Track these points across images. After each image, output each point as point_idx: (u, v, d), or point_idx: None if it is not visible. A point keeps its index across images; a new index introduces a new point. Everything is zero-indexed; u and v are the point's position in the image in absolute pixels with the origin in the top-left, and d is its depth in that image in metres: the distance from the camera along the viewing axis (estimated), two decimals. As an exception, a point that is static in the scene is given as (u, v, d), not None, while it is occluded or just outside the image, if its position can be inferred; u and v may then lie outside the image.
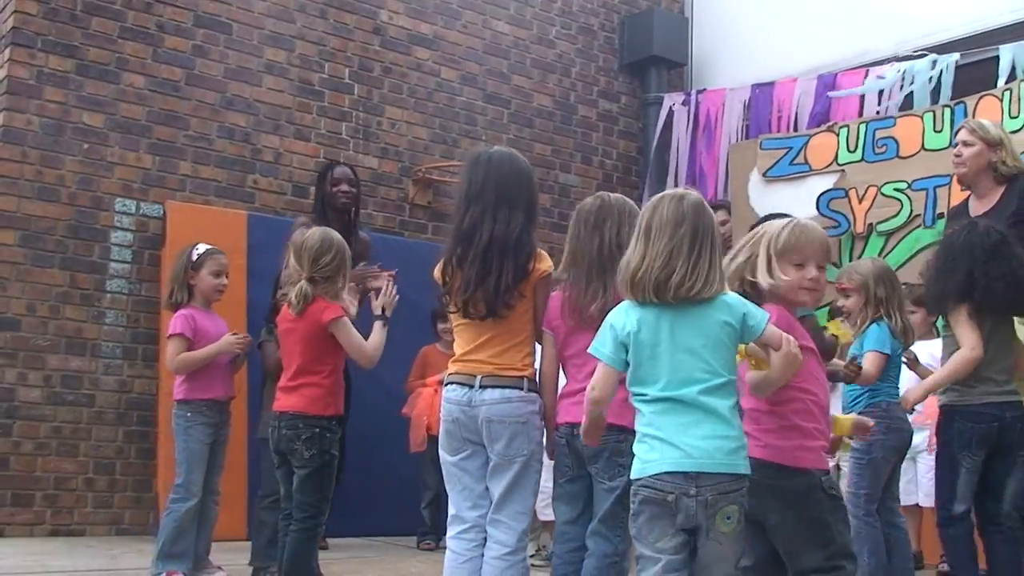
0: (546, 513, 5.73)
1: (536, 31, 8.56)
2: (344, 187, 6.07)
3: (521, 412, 3.58)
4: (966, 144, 5.20)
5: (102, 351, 6.53)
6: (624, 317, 3.00)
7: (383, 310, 4.56)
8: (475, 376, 3.60)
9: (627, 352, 2.97)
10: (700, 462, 2.84)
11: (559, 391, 3.73)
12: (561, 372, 3.76)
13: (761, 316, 2.97)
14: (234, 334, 5.20)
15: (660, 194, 3.10)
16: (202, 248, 5.26)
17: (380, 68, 7.71)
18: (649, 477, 2.88)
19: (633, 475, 2.94)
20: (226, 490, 6.19)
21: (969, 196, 5.30)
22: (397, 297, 4.62)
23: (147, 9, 6.81)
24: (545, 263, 3.64)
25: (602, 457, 3.49)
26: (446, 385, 3.72)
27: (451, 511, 3.71)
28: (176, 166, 6.84)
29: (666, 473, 2.85)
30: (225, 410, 5.24)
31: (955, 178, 6.01)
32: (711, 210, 3.07)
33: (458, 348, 3.72)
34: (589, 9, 8.90)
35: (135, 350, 6.62)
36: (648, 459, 2.90)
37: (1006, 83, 6.24)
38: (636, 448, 2.95)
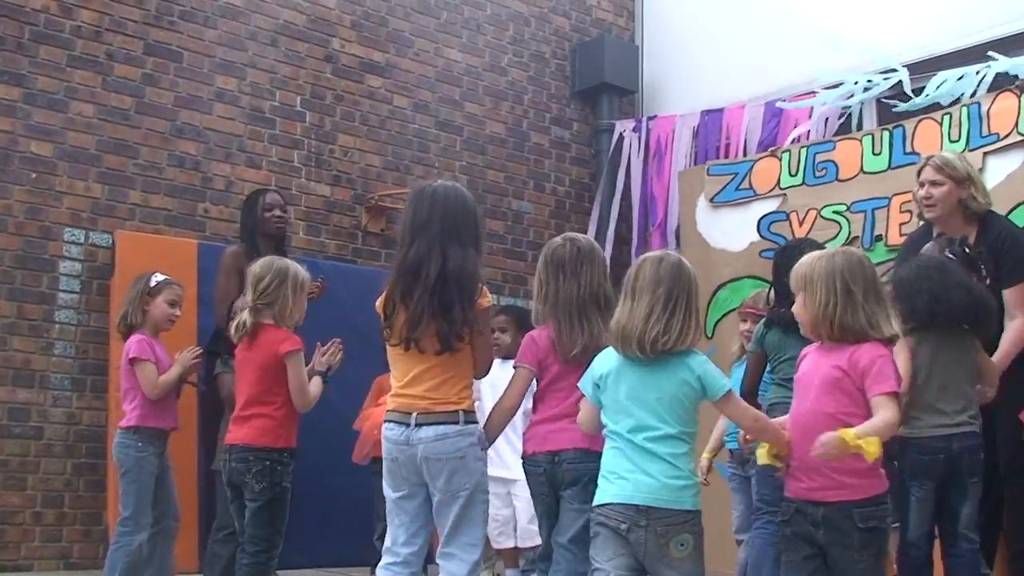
0: (499, 541, 5.73)
1: (488, 59, 8.60)
2: (277, 212, 6.09)
3: (458, 447, 3.61)
4: (935, 184, 4.92)
5: (51, 382, 6.44)
6: (603, 361, 3.42)
7: (328, 368, 4.63)
8: (411, 413, 3.64)
9: (600, 391, 3.40)
10: (648, 497, 3.18)
11: (536, 416, 3.91)
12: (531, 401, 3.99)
13: (719, 384, 3.31)
14: (186, 350, 5.24)
15: (643, 256, 3.49)
16: (161, 277, 5.32)
17: (332, 96, 7.71)
18: (605, 507, 3.26)
19: (594, 503, 3.31)
20: (177, 522, 6.15)
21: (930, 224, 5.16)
22: (341, 360, 4.74)
23: (96, 37, 6.76)
24: (486, 298, 3.72)
25: (580, 483, 3.67)
26: (385, 422, 3.75)
27: (387, 542, 3.77)
28: (126, 195, 6.79)
29: (620, 504, 3.21)
30: (167, 441, 5.25)
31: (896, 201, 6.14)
32: (690, 270, 3.45)
33: (394, 381, 3.77)
34: (541, 37, 8.95)
35: (84, 381, 6.53)
36: (605, 490, 3.28)
37: (947, 107, 6.33)
38: (599, 480, 3.33)
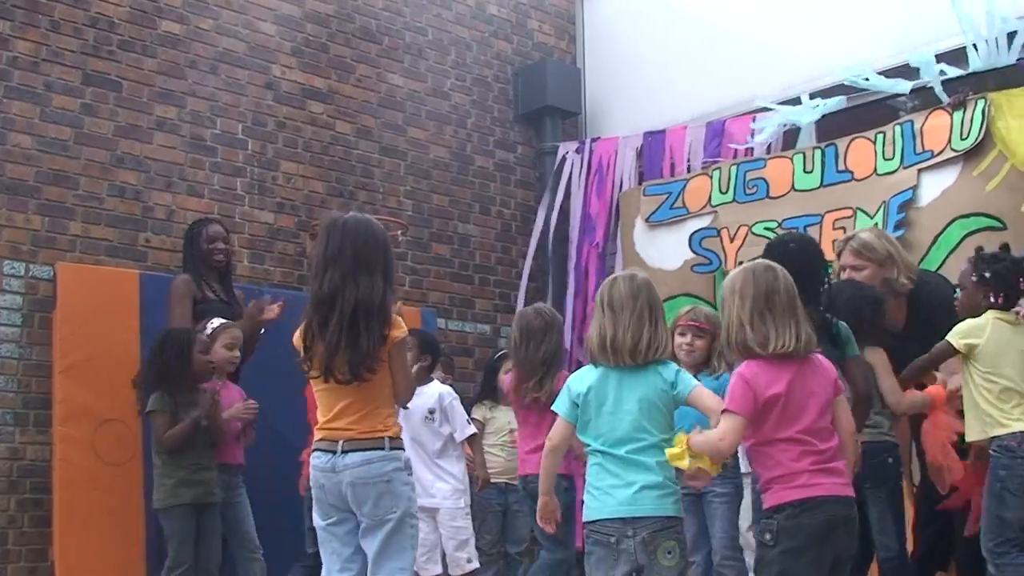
0: (426, 568, 5.73)
1: (431, 83, 8.62)
2: (220, 244, 6.10)
3: (383, 471, 3.67)
4: (855, 268, 4.87)
5: (-8, 418, 6.35)
6: (579, 380, 3.70)
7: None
8: (337, 442, 3.70)
9: (579, 409, 3.66)
10: (632, 508, 3.45)
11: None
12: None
13: (691, 380, 3.64)
14: (244, 401, 5.61)
15: (613, 275, 3.81)
16: (216, 323, 5.75)
17: (274, 123, 7.69)
18: (595, 523, 3.52)
19: (584, 519, 3.59)
20: (120, 556, 6.11)
21: None
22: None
23: (33, 68, 6.70)
24: (400, 330, 3.78)
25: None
26: (312, 452, 3.82)
27: (323, 573, 3.82)
28: (66, 227, 6.71)
29: (607, 519, 3.48)
30: (236, 473, 5.69)
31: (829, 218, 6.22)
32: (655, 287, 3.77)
33: (321, 415, 3.81)
34: (483, 61, 8.99)
35: (27, 416, 6.42)
36: (592, 507, 3.55)
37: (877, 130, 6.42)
38: (585, 496, 3.60)
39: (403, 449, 3.78)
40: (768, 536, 3.34)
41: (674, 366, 3.68)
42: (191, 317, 6.00)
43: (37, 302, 6.53)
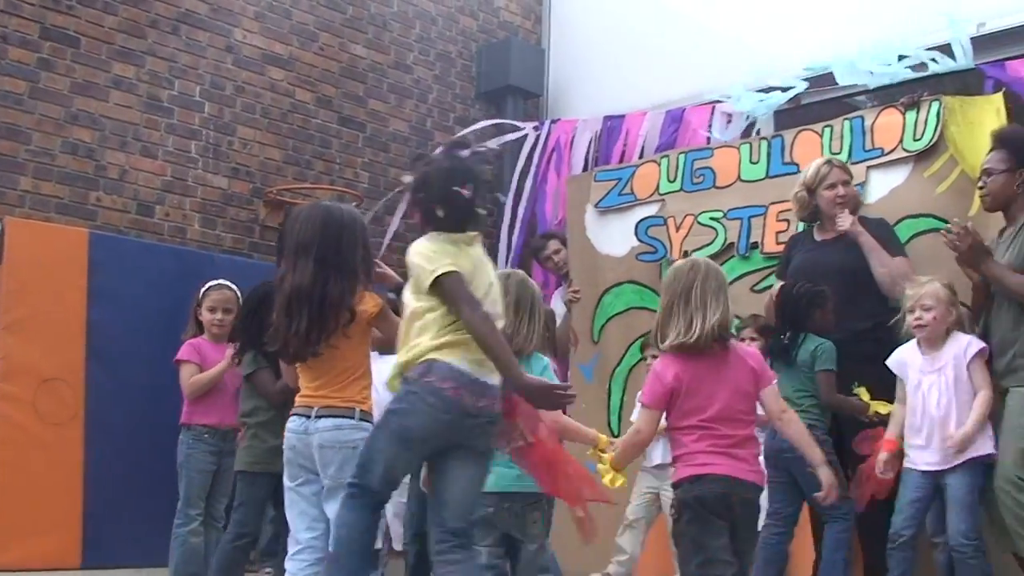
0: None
1: (394, 56, 8.58)
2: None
3: (351, 438, 3.86)
4: (846, 183, 5.57)
5: (-68, 371, 6.27)
6: None
7: None
8: (312, 408, 3.93)
9: None
10: (504, 484, 3.79)
11: None
12: None
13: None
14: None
15: (505, 272, 4.07)
16: (211, 283, 5.79)
17: (232, 87, 7.63)
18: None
19: None
20: (58, 515, 6.07)
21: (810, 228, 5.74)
22: None
23: (-11, 19, 6.62)
24: (368, 303, 3.98)
25: None
26: (289, 417, 4.03)
27: (290, 533, 4.03)
28: (16, 181, 6.63)
29: (488, 493, 3.71)
30: (229, 439, 5.50)
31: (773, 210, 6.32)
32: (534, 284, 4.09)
33: (302, 385, 4.03)
34: (447, 37, 8.96)
35: (-30, 370, 6.37)
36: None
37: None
38: None
39: (371, 423, 3.90)
40: (673, 511, 3.65)
41: (543, 359, 4.02)
42: None
43: (-17, 256, 6.46)
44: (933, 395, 4.77)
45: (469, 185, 3.54)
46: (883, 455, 4.75)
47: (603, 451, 3.91)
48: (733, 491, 3.55)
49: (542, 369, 3.92)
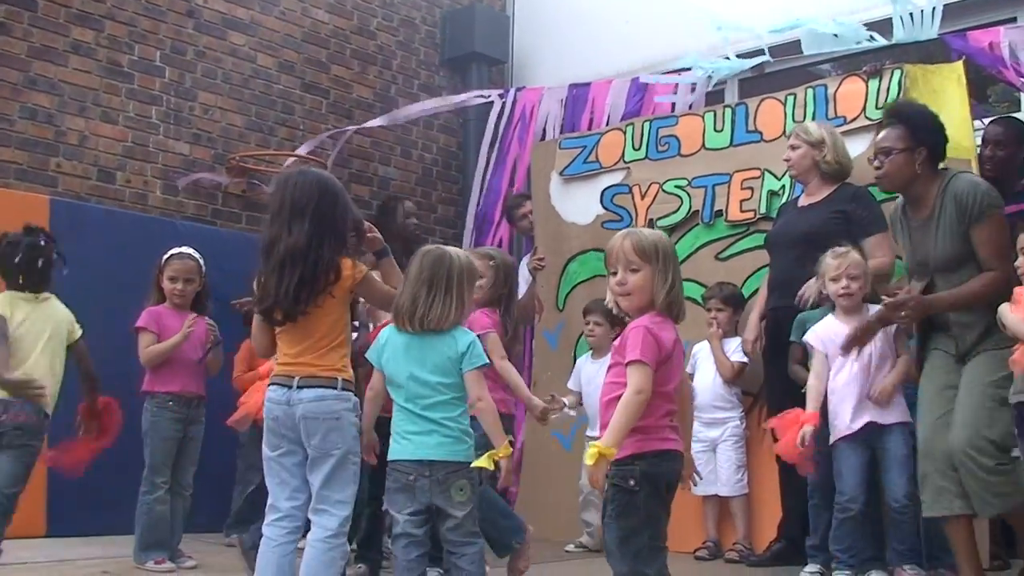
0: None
1: (357, 21, 8.52)
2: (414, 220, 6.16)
3: (334, 409, 3.90)
4: (793, 148, 5.67)
5: None
6: (379, 338, 4.07)
7: None
8: (294, 377, 3.93)
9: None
10: (428, 451, 3.84)
11: None
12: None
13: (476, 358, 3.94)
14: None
15: (422, 248, 4.09)
16: (172, 251, 5.62)
17: (193, 52, 7.54)
18: (396, 462, 3.89)
19: (388, 459, 3.94)
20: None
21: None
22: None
23: (-56, -19, 6.49)
24: (350, 270, 3.96)
25: None
26: (269, 386, 4.02)
27: (270, 501, 4.00)
28: (-27, 147, 6.55)
29: (405, 460, 3.86)
30: (194, 406, 5.50)
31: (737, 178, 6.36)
32: (453, 260, 4.03)
33: (280, 352, 4.02)
34: (411, 2, 8.91)
35: (-73, 338, 6.29)
36: (395, 449, 3.92)
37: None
38: (391, 440, 3.96)
39: (352, 392, 3.97)
40: (632, 482, 3.45)
41: (466, 334, 4.00)
42: None
43: (-60, 223, 6.36)
44: (863, 359, 4.86)
45: None
46: (808, 428, 4.65)
47: (497, 459, 3.87)
48: (680, 467, 3.59)
49: (467, 345, 3.92)
